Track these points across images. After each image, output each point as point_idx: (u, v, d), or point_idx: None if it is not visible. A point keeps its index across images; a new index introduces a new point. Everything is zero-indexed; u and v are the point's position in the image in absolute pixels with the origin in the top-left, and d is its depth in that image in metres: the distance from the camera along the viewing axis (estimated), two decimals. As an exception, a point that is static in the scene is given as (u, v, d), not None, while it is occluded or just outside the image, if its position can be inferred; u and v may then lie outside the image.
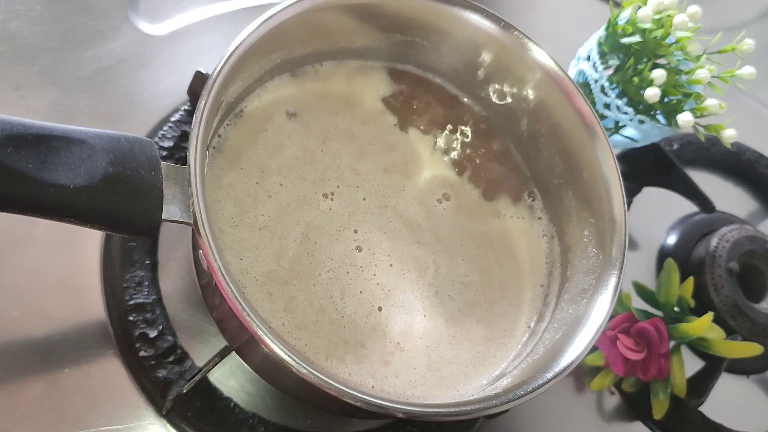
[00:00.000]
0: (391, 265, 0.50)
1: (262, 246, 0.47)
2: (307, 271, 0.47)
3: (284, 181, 0.50)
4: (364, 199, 0.51)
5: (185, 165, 0.40)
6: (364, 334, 0.47)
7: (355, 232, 0.50)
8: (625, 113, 0.60)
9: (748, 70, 0.58)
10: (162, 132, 0.57)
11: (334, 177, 0.51)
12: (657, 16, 0.59)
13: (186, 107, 0.59)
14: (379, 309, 0.48)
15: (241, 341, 0.46)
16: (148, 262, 0.52)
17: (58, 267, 0.51)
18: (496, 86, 0.56)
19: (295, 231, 0.48)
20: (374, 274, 0.49)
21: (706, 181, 0.73)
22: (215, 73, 0.42)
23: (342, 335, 0.46)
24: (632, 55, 0.60)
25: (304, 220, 0.49)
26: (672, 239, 0.70)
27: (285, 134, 0.51)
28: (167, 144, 0.57)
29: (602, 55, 0.62)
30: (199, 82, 0.54)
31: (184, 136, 0.57)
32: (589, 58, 0.63)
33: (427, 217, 0.53)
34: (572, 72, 0.65)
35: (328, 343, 0.46)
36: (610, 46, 0.61)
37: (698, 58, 0.58)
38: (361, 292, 0.48)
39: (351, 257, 0.49)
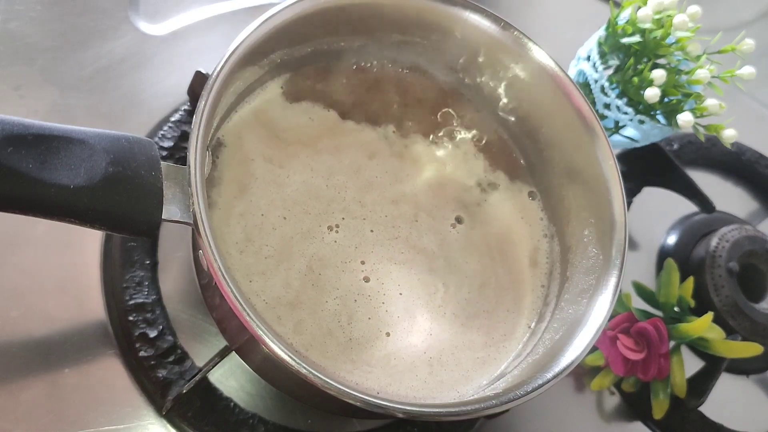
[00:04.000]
0: (401, 294, 0.49)
1: (269, 272, 0.47)
2: (313, 300, 0.47)
3: (288, 215, 0.49)
4: (372, 231, 0.51)
5: (185, 165, 0.40)
6: (372, 355, 0.47)
7: (363, 263, 0.49)
8: (625, 113, 0.60)
9: (748, 70, 0.58)
10: (162, 132, 0.57)
11: (338, 210, 0.51)
12: (657, 16, 0.59)
13: (186, 107, 0.59)
14: (387, 334, 0.48)
15: (241, 341, 0.46)
16: (148, 262, 0.52)
17: (58, 267, 0.51)
18: (496, 86, 0.56)
19: (299, 263, 0.48)
20: (383, 302, 0.49)
21: (706, 181, 0.73)
22: (215, 73, 0.42)
23: (349, 356, 0.46)
24: (632, 55, 0.60)
25: (308, 252, 0.48)
26: (672, 239, 0.70)
27: (285, 173, 0.51)
28: (167, 144, 0.57)
29: (602, 55, 0.62)
30: (199, 82, 0.54)
31: (184, 136, 0.57)
32: (589, 58, 0.63)
33: (442, 244, 0.52)
34: (572, 72, 0.65)
35: (335, 362, 0.46)
36: (610, 46, 0.61)
37: (698, 58, 0.58)
38: (369, 318, 0.48)
39: (359, 287, 0.49)
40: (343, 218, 0.50)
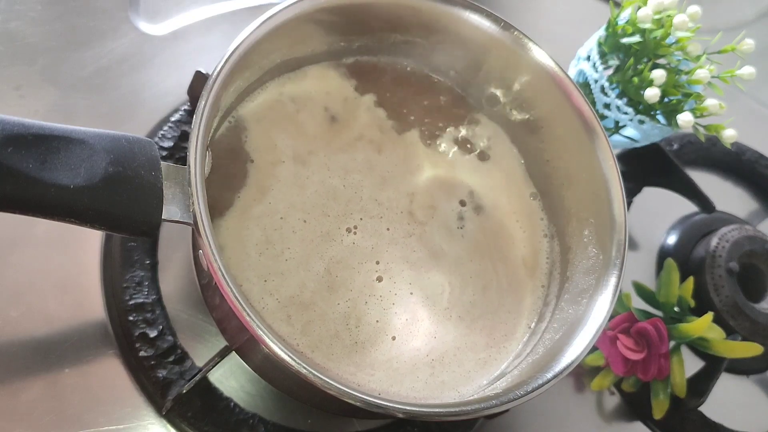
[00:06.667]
0: (411, 293, 0.49)
1: (288, 273, 0.47)
2: (326, 301, 0.47)
3: (308, 218, 0.49)
4: (388, 229, 0.51)
5: (185, 165, 0.40)
6: (375, 358, 0.47)
7: (377, 263, 0.49)
8: (625, 113, 0.60)
9: (748, 70, 0.58)
10: (162, 132, 0.57)
11: (356, 210, 0.51)
12: (657, 16, 0.59)
13: (186, 107, 0.59)
14: (393, 338, 0.48)
15: (241, 341, 0.46)
16: (148, 262, 0.52)
17: (58, 267, 0.51)
18: (497, 86, 0.56)
19: (318, 266, 0.48)
20: (393, 303, 0.49)
21: (706, 181, 0.73)
22: (215, 73, 0.42)
23: (353, 359, 0.46)
24: (632, 55, 0.60)
25: (327, 255, 0.49)
26: (672, 239, 0.70)
27: (304, 175, 0.51)
28: (167, 144, 0.57)
29: (602, 55, 0.62)
30: (199, 82, 0.54)
31: (184, 136, 0.57)
32: (589, 58, 0.63)
33: (450, 242, 0.52)
34: (572, 72, 0.65)
35: (339, 365, 0.46)
36: (610, 46, 0.61)
37: (698, 58, 0.58)
38: (377, 321, 0.48)
39: (371, 288, 0.49)
40: (361, 218, 0.51)
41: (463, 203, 0.54)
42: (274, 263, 0.47)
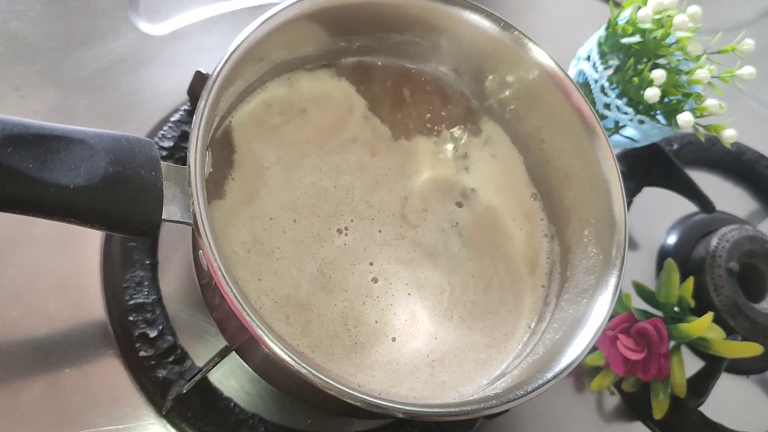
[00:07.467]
0: (409, 294, 0.49)
1: (280, 272, 0.47)
2: (323, 302, 0.47)
3: (298, 218, 0.49)
4: (380, 231, 0.51)
5: (185, 165, 0.40)
6: (375, 359, 0.47)
7: (371, 264, 0.49)
8: (625, 113, 0.60)
9: (748, 70, 0.58)
10: (162, 132, 0.57)
11: (347, 211, 0.51)
12: (657, 16, 0.59)
13: (186, 107, 0.59)
14: (393, 339, 0.48)
15: (241, 341, 0.46)
16: (148, 262, 0.52)
17: (58, 267, 0.51)
18: (496, 86, 0.56)
19: (310, 267, 0.48)
20: (391, 304, 0.49)
21: (706, 181, 0.73)
22: (215, 73, 0.42)
23: (354, 359, 0.46)
24: (632, 55, 0.60)
25: (319, 256, 0.48)
26: (672, 239, 0.70)
27: (296, 176, 0.51)
28: (167, 144, 0.57)
29: (602, 55, 0.62)
30: (199, 82, 0.54)
31: (184, 136, 0.57)
32: (589, 58, 0.63)
33: (446, 243, 0.52)
34: (572, 72, 0.65)
35: (339, 365, 0.46)
36: (610, 46, 0.61)
37: (698, 58, 0.58)
38: (376, 321, 0.48)
39: (367, 288, 0.49)
40: (352, 220, 0.50)
41: (460, 204, 0.54)
42: (265, 261, 0.47)
